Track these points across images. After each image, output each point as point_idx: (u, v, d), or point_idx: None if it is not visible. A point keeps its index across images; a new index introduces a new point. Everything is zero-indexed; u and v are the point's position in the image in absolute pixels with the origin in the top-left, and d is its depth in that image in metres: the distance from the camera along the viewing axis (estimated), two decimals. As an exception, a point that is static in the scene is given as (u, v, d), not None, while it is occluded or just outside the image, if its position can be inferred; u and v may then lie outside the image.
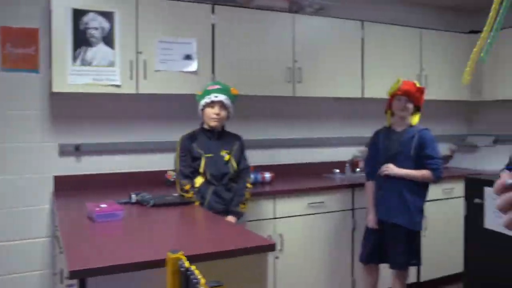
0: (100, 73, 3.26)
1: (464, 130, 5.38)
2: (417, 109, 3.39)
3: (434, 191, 3.85)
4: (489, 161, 4.69)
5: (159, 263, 1.54)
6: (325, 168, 4.45)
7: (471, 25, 4.99)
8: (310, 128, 4.48)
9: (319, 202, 3.70)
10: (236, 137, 3.18)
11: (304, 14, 4.05)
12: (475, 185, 3.52)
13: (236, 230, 2.40)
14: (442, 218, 4.18)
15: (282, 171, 4.19)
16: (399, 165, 3.30)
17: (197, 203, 2.92)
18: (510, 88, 4.46)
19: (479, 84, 4.77)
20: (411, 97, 3.31)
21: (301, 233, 3.65)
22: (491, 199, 3.12)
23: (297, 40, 3.93)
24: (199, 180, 3.01)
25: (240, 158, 3.12)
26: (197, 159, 3.01)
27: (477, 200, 3.48)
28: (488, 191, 3.16)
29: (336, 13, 4.24)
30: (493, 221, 3.09)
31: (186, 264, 1.24)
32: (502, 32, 1.57)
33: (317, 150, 4.51)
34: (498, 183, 0.67)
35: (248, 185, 3.11)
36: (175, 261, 1.28)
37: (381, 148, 3.43)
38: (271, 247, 2.05)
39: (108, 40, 3.29)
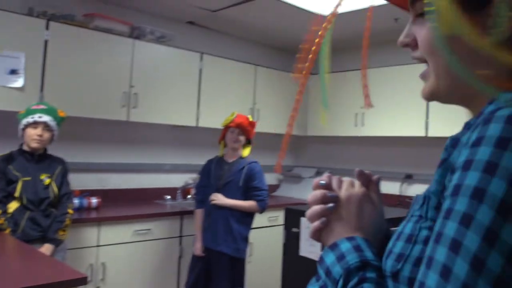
0: None
1: (291, 162, 5.81)
2: (248, 141, 3.59)
3: (260, 219, 4.07)
4: (311, 191, 5.10)
5: None
6: (156, 194, 4.43)
7: (301, 67, 5.46)
8: (144, 153, 4.44)
9: (146, 229, 3.66)
10: (59, 161, 3.03)
11: (145, 41, 4.04)
12: (294, 215, 3.81)
13: (46, 262, 2.26)
14: (266, 245, 4.42)
15: (111, 197, 4.08)
16: (229, 194, 3.44)
17: (7, 231, 2.70)
18: (331, 126, 4.98)
19: (305, 121, 5.23)
20: (244, 130, 3.50)
21: (126, 261, 3.56)
22: (305, 228, 3.40)
23: (135, 65, 3.91)
24: (13, 205, 2.79)
25: (62, 182, 2.98)
26: (13, 182, 2.80)
27: (294, 229, 3.76)
28: (303, 221, 3.46)
29: (177, 43, 4.31)
30: (306, 249, 3.37)
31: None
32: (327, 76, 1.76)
33: (150, 176, 4.48)
34: (314, 181, 0.78)
35: (69, 210, 2.97)
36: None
37: (212, 177, 3.54)
38: (82, 281, 1.98)
39: None
